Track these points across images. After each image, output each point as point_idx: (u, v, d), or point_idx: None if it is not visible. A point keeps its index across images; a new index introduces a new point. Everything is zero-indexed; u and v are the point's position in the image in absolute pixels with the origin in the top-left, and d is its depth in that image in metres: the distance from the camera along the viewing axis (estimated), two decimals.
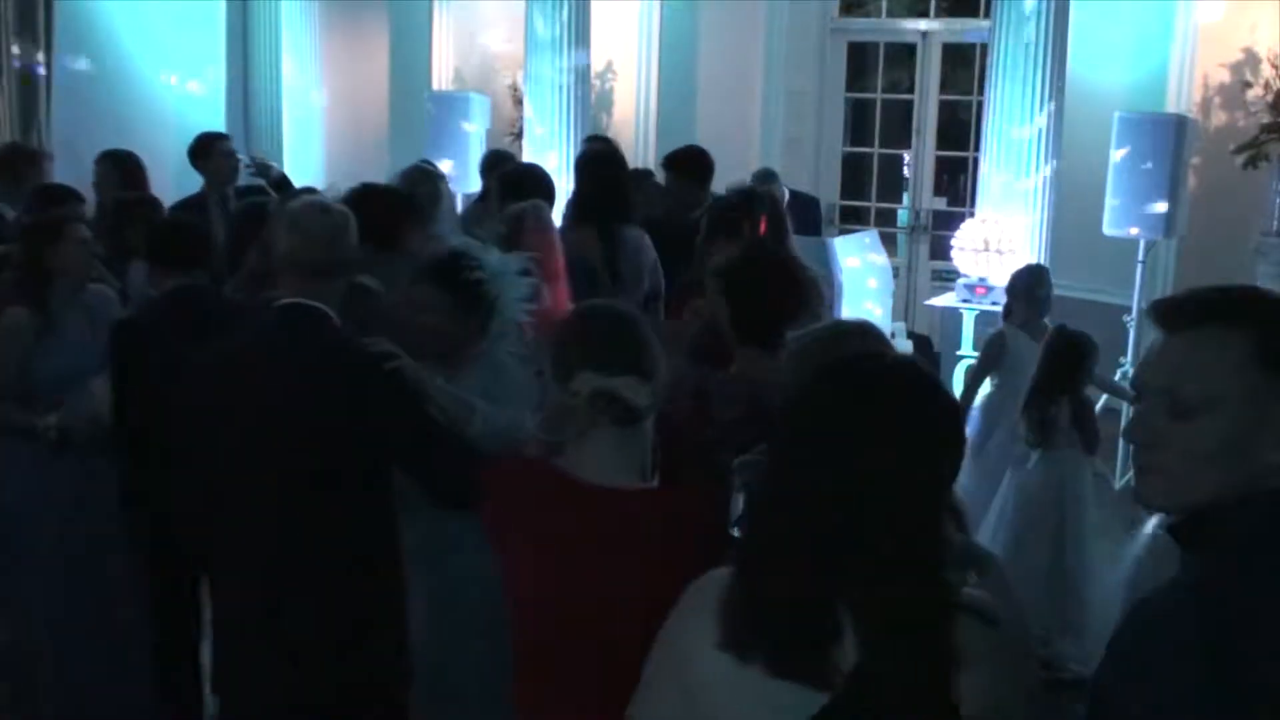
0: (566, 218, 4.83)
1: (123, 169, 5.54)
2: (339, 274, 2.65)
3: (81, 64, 8.14)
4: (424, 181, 4.66)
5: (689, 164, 5.19)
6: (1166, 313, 1.48)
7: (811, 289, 3.14)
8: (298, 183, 6.05)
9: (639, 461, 2.06)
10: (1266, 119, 6.94)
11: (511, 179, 4.94)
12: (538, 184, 5.05)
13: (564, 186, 7.46)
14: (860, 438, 1.51)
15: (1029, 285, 5.45)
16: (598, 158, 4.98)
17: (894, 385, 1.58)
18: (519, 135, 8.48)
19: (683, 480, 2.11)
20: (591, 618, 1.97)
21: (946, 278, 7.78)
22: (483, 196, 5.92)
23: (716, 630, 1.56)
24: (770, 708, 1.53)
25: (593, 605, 1.96)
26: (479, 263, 3.00)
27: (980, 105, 7.26)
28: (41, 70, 7.63)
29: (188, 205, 5.66)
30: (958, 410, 1.63)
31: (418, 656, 2.75)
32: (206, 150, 5.92)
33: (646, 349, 2.09)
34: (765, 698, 1.53)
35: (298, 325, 2.62)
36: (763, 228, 3.23)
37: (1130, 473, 4.56)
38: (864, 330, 2.45)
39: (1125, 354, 6.71)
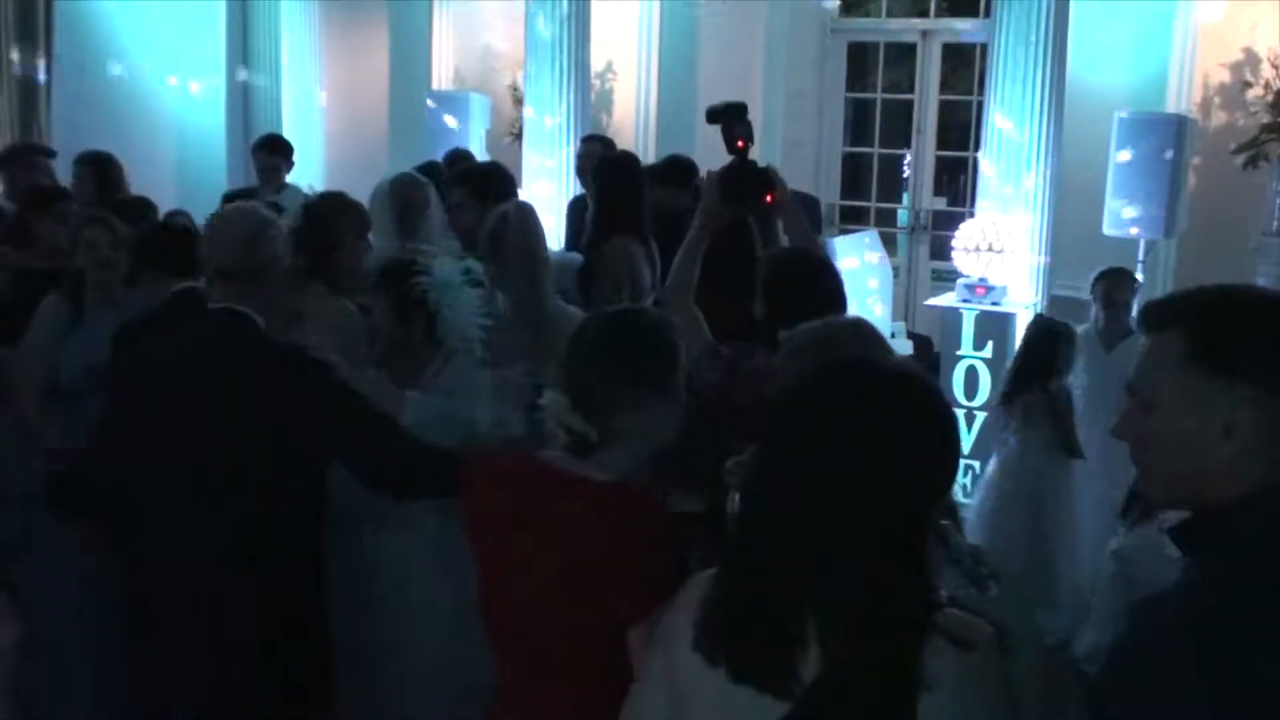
0: (594, 224, 4.76)
1: (100, 171, 5.56)
2: (258, 278, 2.68)
3: (81, 65, 8.13)
4: (413, 189, 4.60)
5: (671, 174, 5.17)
6: (1142, 315, 1.58)
7: (842, 290, 3.17)
8: (299, 183, 6.08)
9: (620, 468, 2.04)
10: (1266, 119, 6.94)
11: (476, 179, 4.90)
12: (506, 184, 5.05)
13: (565, 186, 7.49)
14: (841, 443, 1.51)
15: (1105, 289, 5.47)
16: (625, 165, 4.91)
17: (879, 390, 1.57)
18: (519, 135, 8.48)
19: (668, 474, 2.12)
20: (555, 608, 1.97)
21: (946, 278, 7.78)
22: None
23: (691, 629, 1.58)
24: (735, 712, 1.53)
25: (556, 595, 1.96)
26: (425, 271, 3.02)
27: (980, 105, 7.26)
28: (41, 70, 7.63)
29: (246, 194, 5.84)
30: (949, 418, 1.61)
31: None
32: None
33: (621, 386, 2.03)
34: (732, 701, 1.53)
35: (222, 330, 2.67)
36: (770, 199, 3.23)
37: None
38: (858, 328, 2.45)
39: None
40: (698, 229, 3.21)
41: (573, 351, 2.08)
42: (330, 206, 3.69)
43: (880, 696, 1.46)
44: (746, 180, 3.16)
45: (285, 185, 6.37)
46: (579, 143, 7.24)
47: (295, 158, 6.88)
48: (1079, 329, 5.54)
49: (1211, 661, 1.34)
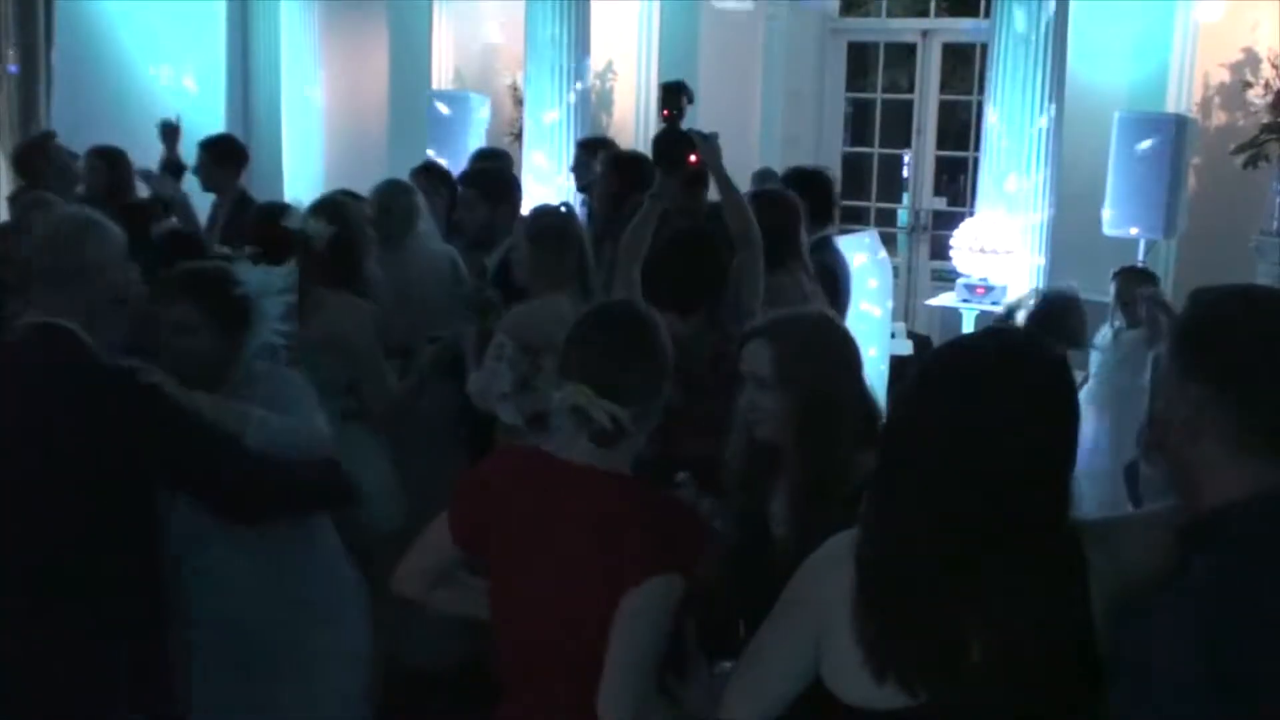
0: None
1: (112, 165, 5.56)
2: (69, 283, 2.47)
3: (81, 62, 8.13)
4: (398, 195, 4.54)
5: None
6: None
7: (723, 262, 3.42)
8: (299, 182, 6.05)
9: (625, 461, 2.06)
10: (1266, 119, 6.94)
11: (485, 181, 4.89)
12: (513, 187, 5.04)
13: (565, 185, 7.48)
14: (1013, 415, 1.56)
15: (1117, 288, 5.53)
16: (638, 162, 4.93)
17: (1039, 363, 1.62)
18: (519, 135, 8.49)
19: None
20: (576, 606, 1.96)
21: (946, 278, 7.78)
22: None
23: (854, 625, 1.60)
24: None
25: (579, 593, 1.95)
26: (239, 278, 2.84)
27: (980, 105, 7.27)
28: (41, 68, 7.63)
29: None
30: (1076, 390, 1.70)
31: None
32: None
33: (643, 372, 2.05)
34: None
35: (39, 347, 2.45)
36: (694, 160, 3.53)
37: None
38: (835, 316, 2.47)
39: None
40: (649, 199, 3.47)
41: (593, 342, 2.06)
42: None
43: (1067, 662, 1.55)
44: (672, 143, 3.51)
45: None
46: (576, 146, 7.16)
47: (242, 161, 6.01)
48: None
49: (1213, 661, 1.34)
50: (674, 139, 3.49)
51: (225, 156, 5.82)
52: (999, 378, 1.59)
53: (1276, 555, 1.42)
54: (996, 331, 1.77)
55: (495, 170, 5.38)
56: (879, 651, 1.58)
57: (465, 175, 5.26)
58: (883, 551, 1.60)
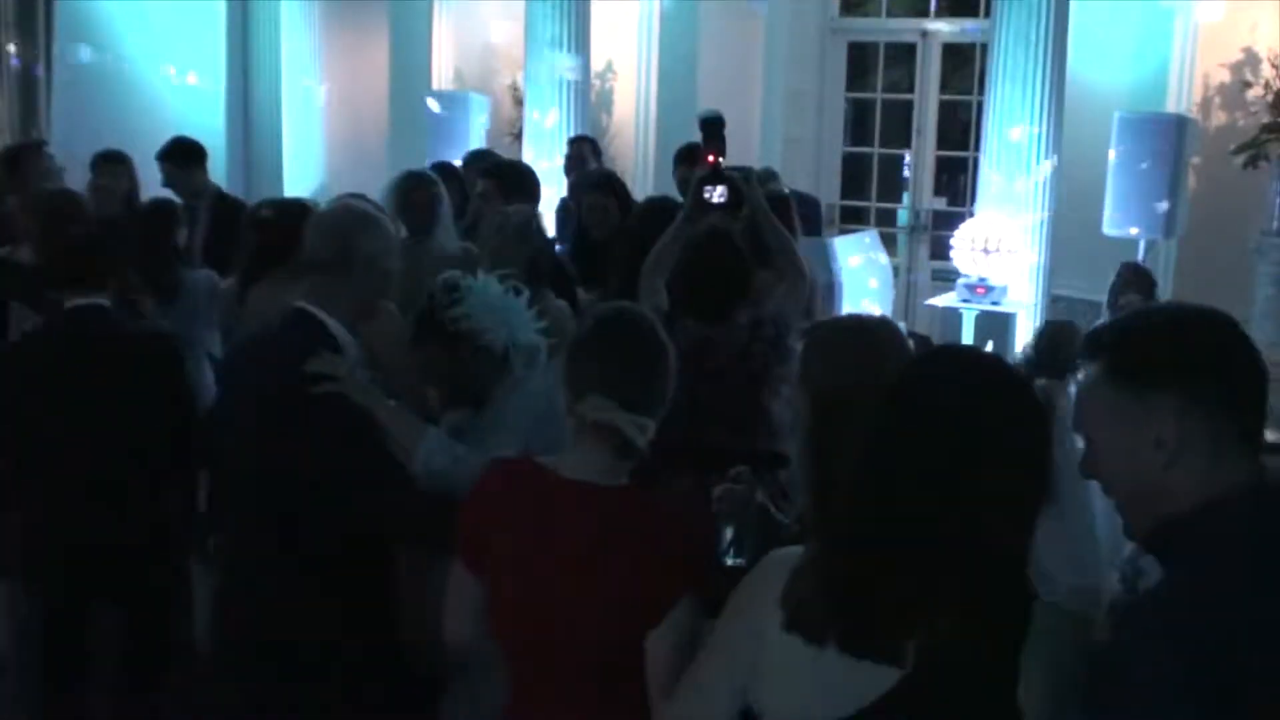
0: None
1: (132, 174, 5.57)
2: (345, 272, 2.57)
3: (81, 62, 8.14)
4: (419, 187, 4.50)
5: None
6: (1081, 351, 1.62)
7: (751, 271, 3.54)
8: (299, 182, 6.05)
9: (626, 469, 2.04)
10: (1266, 119, 6.94)
11: (508, 175, 4.92)
12: (535, 185, 5.05)
13: (565, 186, 7.49)
14: (968, 427, 1.54)
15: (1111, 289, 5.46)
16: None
17: (1001, 376, 1.62)
18: (519, 135, 8.49)
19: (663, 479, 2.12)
20: (569, 614, 1.95)
21: (946, 278, 7.79)
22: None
23: (781, 613, 1.59)
24: (839, 686, 1.55)
25: (569, 601, 1.94)
26: (460, 300, 2.76)
27: (980, 105, 7.26)
28: (40, 68, 7.64)
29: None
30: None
31: None
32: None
33: (660, 378, 2.03)
34: (834, 676, 1.55)
35: (281, 335, 2.61)
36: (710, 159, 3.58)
37: None
38: (888, 324, 2.44)
39: None
40: (683, 219, 3.61)
41: (612, 355, 2.02)
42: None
43: (994, 655, 1.52)
44: (712, 185, 3.57)
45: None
46: (567, 143, 7.23)
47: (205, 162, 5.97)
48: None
49: (1191, 665, 1.34)
50: (715, 181, 3.54)
51: (188, 158, 5.76)
52: (959, 383, 1.59)
53: (1250, 555, 1.42)
54: (956, 347, 1.77)
55: (517, 164, 5.42)
56: (848, 634, 1.55)
57: (488, 168, 5.28)
58: (845, 541, 1.59)
